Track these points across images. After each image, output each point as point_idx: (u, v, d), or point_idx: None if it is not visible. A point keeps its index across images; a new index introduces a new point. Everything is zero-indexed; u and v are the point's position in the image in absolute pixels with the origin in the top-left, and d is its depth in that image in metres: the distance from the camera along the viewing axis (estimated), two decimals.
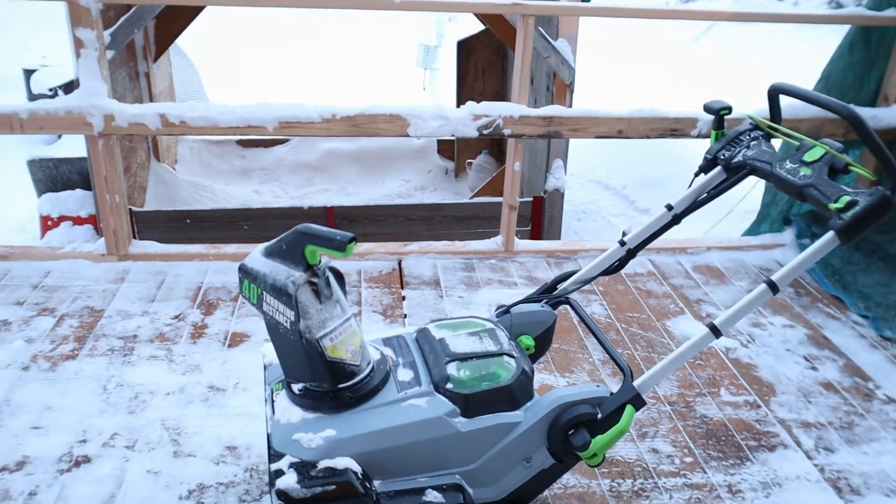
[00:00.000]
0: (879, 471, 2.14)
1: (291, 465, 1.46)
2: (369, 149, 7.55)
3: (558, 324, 1.99)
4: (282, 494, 1.42)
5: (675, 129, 3.24)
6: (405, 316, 2.88)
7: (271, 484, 1.44)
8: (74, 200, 5.30)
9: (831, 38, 3.91)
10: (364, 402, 1.56)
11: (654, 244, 2.07)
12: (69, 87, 6.49)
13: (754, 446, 2.21)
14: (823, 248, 1.58)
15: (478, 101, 3.19)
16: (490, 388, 1.58)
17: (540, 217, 5.39)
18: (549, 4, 3.41)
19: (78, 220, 5.28)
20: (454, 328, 1.75)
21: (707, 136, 3.17)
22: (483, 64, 7.27)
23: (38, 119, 2.93)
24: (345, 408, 1.55)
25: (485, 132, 3.13)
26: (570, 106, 4.77)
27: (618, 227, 6.33)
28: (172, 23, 5.95)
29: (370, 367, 1.59)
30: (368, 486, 1.48)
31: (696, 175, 1.93)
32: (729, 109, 1.89)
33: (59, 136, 5.96)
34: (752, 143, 1.84)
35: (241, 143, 7.67)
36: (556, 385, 2.47)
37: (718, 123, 1.91)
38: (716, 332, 1.61)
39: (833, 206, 1.54)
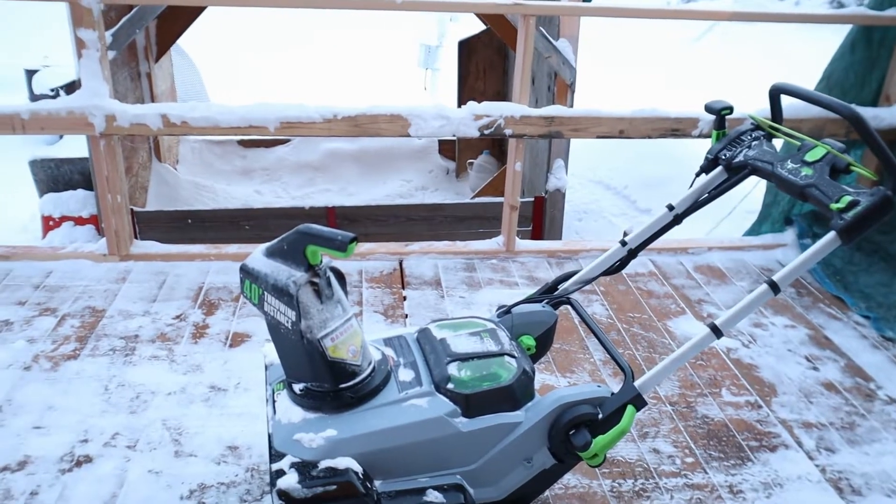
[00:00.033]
0: (881, 471, 2.14)
1: (292, 465, 1.46)
2: (370, 149, 7.55)
3: (559, 324, 1.99)
4: (283, 494, 1.42)
5: (677, 129, 3.24)
6: (406, 316, 2.88)
7: (272, 484, 1.45)
8: (76, 201, 5.31)
9: (833, 38, 3.91)
10: (365, 402, 1.56)
11: (656, 244, 2.07)
12: (71, 87, 6.49)
13: (755, 447, 2.21)
14: (825, 248, 1.58)
15: (479, 101, 3.19)
16: (491, 389, 1.58)
17: (541, 217, 5.39)
18: (551, 4, 3.41)
19: (79, 221, 5.29)
20: (455, 328, 1.75)
21: (708, 136, 3.18)
22: (484, 64, 7.27)
23: (39, 119, 2.94)
24: (346, 408, 1.55)
25: (486, 132, 3.13)
26: (572, 106, 4.77)
27: (619, 228, 6.33)
28: (174, 23, 5.96)
29: (371, 367, 1.59)
30: (369, 486, 1.48)
31: (698, 175, 1.93)
32: (730, 109, 1.89)
33: (61, 137, 5.96)
34: (754, 143, 1.84)
35: (242, 143, 7.68)
36: (557, 385, 2.47)
37: (720, 123, 1.91)
38: (717, 332, 1.61)
39: (834, 206, 1.54)
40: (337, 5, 3.54)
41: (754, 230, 3.91)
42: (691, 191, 1.91)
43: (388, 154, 7.61)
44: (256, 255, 1.55)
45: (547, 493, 1.94)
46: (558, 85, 4.96)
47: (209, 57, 9.22)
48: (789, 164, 1.68)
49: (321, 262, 1.51)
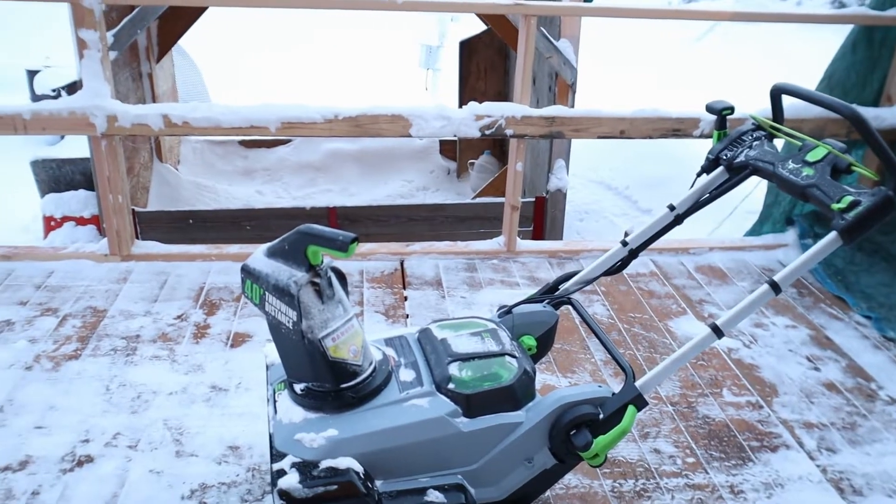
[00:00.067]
0: (882, 471, 2.13)
1: (293, 465, 1.47)
2: (371, 149, 7.56)
3: (560, 324, 1.99)
4: (284, 494, 1.42)
5: (678, 129, 3.24)
6: (407, 316, 2.88)
7: (273, 484, 1.45)
8: (77, 201, 5.32)
9: (834, 38, 3.91)
10: (366, 402, 1.56)
11: (657, 244, 2.07)
12: (72, 87, 6.50)
13: (756, 447, 2.21)
14: (826, 248, 1.57)
15: (480, 102, 3.19)
16: (492, 389, 1.58)
17: (542, 217, 5.39)
18: (552, 5, 3.41)
19: (81, 221, 5.29)
20: (456, 328, 1.75)
21: (709, 136, 3.18)
22: (485, 64, 7.27)
23: (41, 120, 2.94)
24: (347, 408, 1.55)
25: (487, 132, 3.13)
26: (573, 106, 4.77)
27: (620, 228, 6.33)
28: (175, 23, 5.97)
29: (372, 367, 1.59)
30: (370, 486, 1.49)
31: (699, 175, 1.93)
32: (731, 109, 1.88)
33: (62, 137, 5.97)
34: (755, 143, 1.84)
35: (243, 143, 7.68)
36: (558, 385, 2.47)
37: (721, 123, 1.91)
38: (718, 332, 1.61)
39: (835, 206, 1.54)
40: (338, 5, 3.54)
41: (755, 230, 3.91)
42: (692, 191, 1.91)
43: (389, 154, 7.61)
44: (258, 256, 1.55)
45: (548, 493, 1.94)
46: (559, 85, 4.96)
47: (210, 57, 9.23)
48: (790, 165, 1.68)
49: (322, 262, 1.51)
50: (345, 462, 1.47)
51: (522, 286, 3.14)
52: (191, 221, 5.28)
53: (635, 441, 2.21)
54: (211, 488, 1.96)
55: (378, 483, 1.53)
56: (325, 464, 1.47)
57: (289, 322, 1.48)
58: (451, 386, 1.58)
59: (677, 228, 1.95)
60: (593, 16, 4.27)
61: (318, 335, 1.48)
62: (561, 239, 5.40)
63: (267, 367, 1.76)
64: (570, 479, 2.03)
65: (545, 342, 1.91)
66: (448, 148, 7.63)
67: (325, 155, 7.58)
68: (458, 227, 5.55)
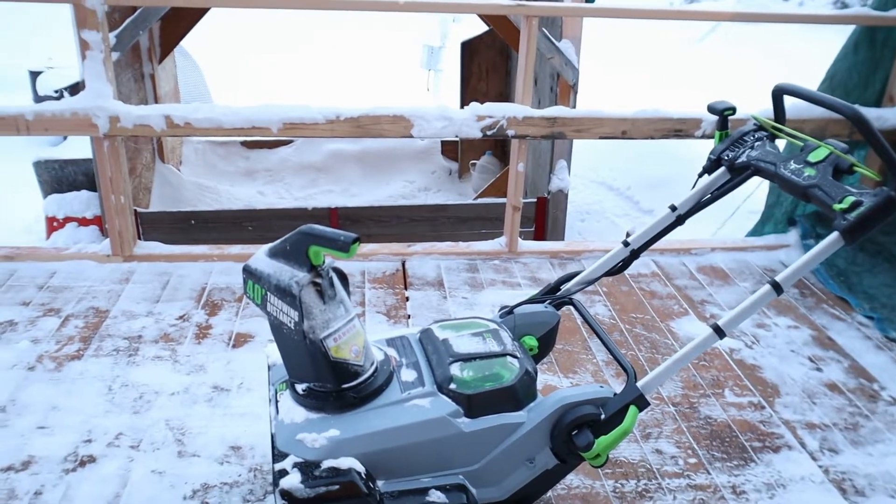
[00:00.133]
0: (884, 472, 2.13)
1: (295, 465, 1.47)
2: (373, 150, 7.56)
3: (562, 324, 1.99)
4: (285, 494, 1.42)
5: (679, 129, 3.24)
6: (409, 317, 2.89)
7: (275, 484, 1.45)
8: (80, 201, 5.33)
9: (836, 38, 3.90)
10: (368, 403, 1.56)
11: (658, 245, 2.07)
12: (75, 88, 6.51)
13: (758, 447, 2.21)
14: (828, 248, 1.57)
15: (481, 102, 3.19)
16: (493, 389, 1.58)
17: (543, 218, 5.39)
18: (553, 5, 3.41)
19: (83, 221, 5.30)
20: (458, 329, 1.75)
21: (711, 136, 3.18)
22: (487, 65, 7.27)
23: (43, 120, 2.95)
24: (348, 408, 1.55)
25: (488, 133, 3.13)
26: (574, 107, 4.77)
27: (621, 228, 6.32)
28: (177, 24, 5.97)
29: (374, 367, 1.60)
30: (372, 486, 1.49)
31: (700, 176, 1.93)
32: (733, 110, 1.88)
33: (65, 138, 5.98)
34: (757, 143, 1.84)
35: (245, 144, 7.69)
36: (559, 386, 2.47)
37: (722, 124, 1.91)
38: (720, 332, 1.61)
39: (837, 206, 1.53)
40: (339, 6, 3.54)
41: (757, 231, 3.90)
42: (694, 191, 1.91)
43: (390, 155, 7.61)
44: (259, 256, 1.55)
45: (549, 493, 1.94)
46: (561, 86, 4.96)
47: (212, 58, 9.24)
48: (792, 165, 1.68)
49: (324, 262, 1.51)
50: (346, 462, 1.48)
51: (524, 287, 3.14)
52: (193, 222, 5.28)
53: (637, 441, 2.21)
54: (213, 488, 1.96)
55: (380, 483, 1.53)
56: (326, 464, 1.47)
57: (290, 322, 1.48)
58: (452, 386, 1.58)
59: (679, 229, 1.95)
60: (595, 16, 4.27)
61: (320, 335, 1.48)
62: (562, 239, 5.40)
63: (269, 368, 1.76)
64: (572, 479, 2.03)
65: (547, 342, 1.91)
66: (450, 148, 7.63)
67: (326, 155, 7.59)
68: (459, 227, 5.55)
